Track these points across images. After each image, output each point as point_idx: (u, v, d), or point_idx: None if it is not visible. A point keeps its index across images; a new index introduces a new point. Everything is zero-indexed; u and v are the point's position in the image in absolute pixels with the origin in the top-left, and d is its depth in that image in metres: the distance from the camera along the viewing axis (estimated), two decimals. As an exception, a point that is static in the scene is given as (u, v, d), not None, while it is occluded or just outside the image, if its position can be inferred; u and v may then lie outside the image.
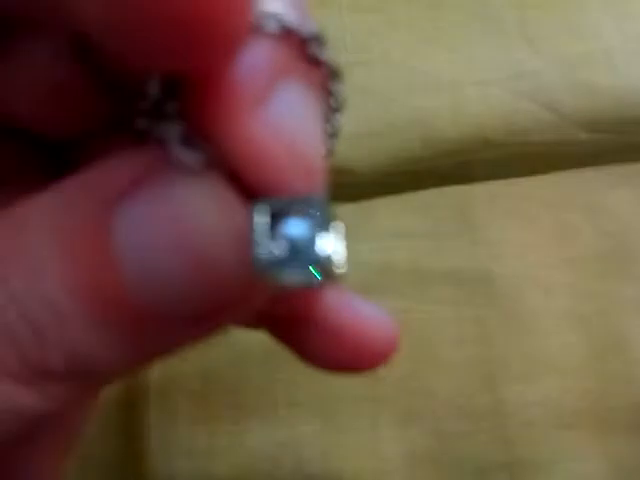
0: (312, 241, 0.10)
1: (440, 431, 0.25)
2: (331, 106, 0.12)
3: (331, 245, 0.10)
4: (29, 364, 0.11)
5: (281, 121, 0.11)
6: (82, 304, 0.10)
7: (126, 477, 0.25)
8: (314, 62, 0.11)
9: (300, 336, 0.15)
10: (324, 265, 0.10)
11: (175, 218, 0.10)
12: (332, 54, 0.12)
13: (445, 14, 0.29)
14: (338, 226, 0.10)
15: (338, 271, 0.10)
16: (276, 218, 0.10)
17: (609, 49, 0.28)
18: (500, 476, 0.25)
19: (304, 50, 0.11)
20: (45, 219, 0.11)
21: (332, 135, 0.13)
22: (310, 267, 0.10)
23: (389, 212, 0.28)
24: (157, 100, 0.11)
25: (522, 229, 0.27)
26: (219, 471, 0.25)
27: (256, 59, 0.10)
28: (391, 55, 0.28)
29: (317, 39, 0.11)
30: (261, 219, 0.10)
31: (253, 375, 0.26)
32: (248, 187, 0.11)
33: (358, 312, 0.15)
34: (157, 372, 0.26)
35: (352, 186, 0.27)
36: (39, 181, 0.13)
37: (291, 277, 0.10)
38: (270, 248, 0.10)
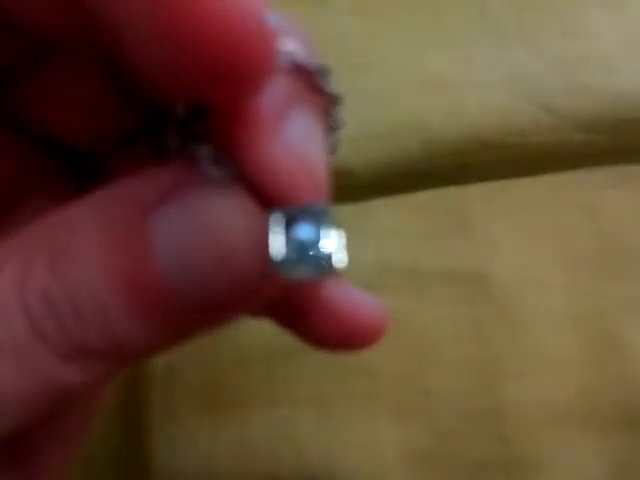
0: (318, 242, 0.12)
1: (438, 429, 0.25)
2: (331, 126, 0.14)
3: (333, 245, 0.12)
4: (72, 344, 0.12)
5: (294, 143, 0.13)
6: (122, 293, 0.12)
7: (128, 476, 0.26)
8: (319, 91, 0.14)
9: (302, 320, 0.17)
10: (328, 262, 0.12)
11: (206, 222, 0.12)
12: (333, 83, 0.14)
13: (443, 16, 0.29)
14: (339, 229, 0.12)
15: (339, 267, 0.12)
16: (288, 223, 0.12)
17: (606, 51, 0.28)
18: (497, 474, 0.25)
19: (311, 81, 0.14)
20: (92, 221, 0.13)
21: (331, 150, 0.15)
22: (316, 264, 0.12)
23: (387, 212, 0.28)
24: (185, 120, 0.13)
25: (519, 229, 0.27)
26: (221, 468, 0.25)
27: (274, 90, 0.13)
28: (390, 57, 0.28)
29: (322, 72, 0.14)
30: (276, 225, 0.12)
31: (254, 373, 0.26)
32: (265, 197, 0.13)
33: (353, 298, 0.17)
34: (159, 371, 0.26)
35: (351, 187, 0.27)
36: (63, 187, 0.16)
37: (301, 273, 0.12)
38: (284, 249, 0.12)
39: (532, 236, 0.27)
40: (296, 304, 0.17)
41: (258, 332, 0.25)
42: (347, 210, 0.28)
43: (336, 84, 0.14)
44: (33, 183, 0.16)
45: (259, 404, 0.25)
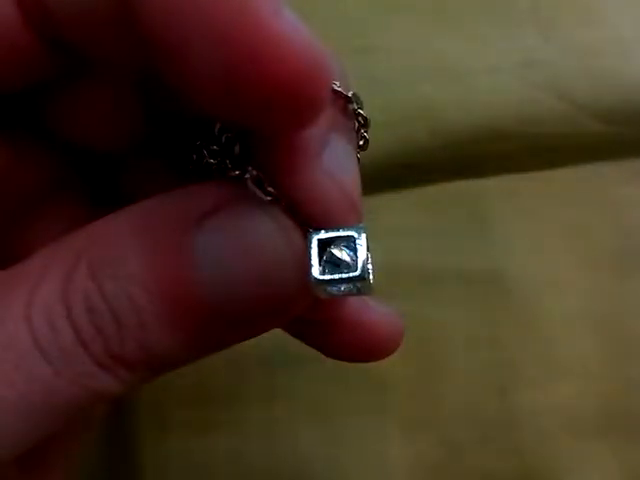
0: (354, 262, 0.13)
1: (449, 440, 0.25)
2: (359, 145, 0.16)
3: (367, 265, 0.13)
4: (111, 353, 0.13)
5: (333, 168, 0.14)
6: (160, 305, 0.13)
7: None
8: (351, 115, 0.15)
9: (315, 330, 0.17)
10: (362, 281, 0.13)
11: (247, 239, 0.13)
12: (363, 109, 0.16)
13: (455, 0, 0.28)
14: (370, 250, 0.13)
15: (372, 285, 0.13)
16: (327, 244, 0.13)
17: (623, 36, 0.27)
18: (512, 487, 0.24)
19: (345, 107, 0.15)
20: (134, 232, 0.13)
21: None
22: (352, 283, 0.13)
23: (395, 208, 0.27)
24: (225, 140, 0.15)
25: (536, 226, 0.26)
26: None
27: (318, 120, 0.13)
28: (398, 41, 0.27)
29: (355, 99, 0.15)
30: (315, 245, 0.13)
31: (252, 381, 0.25)
32: (306, 217, 0.14)
33: (368, 307, 0.17)
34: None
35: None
36: (83, 199, 0.17)
37: (337, 290, 0.13)
38: (322, 269, 0.13)
39: (549, 233, 0.26)
40: (311, 315, 0.17)
41: (256, 337, 0.24)
42: None
43: (365, 110, 0.16)
44: (55, 194, 0.17)
45: (257, 415, 0.25)
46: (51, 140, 0.16)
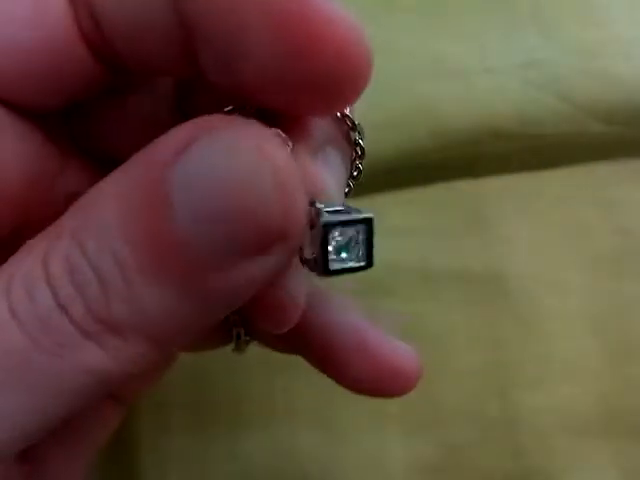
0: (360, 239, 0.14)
1: (449, 441, 0.24)
2: (352, 174, 0.16)
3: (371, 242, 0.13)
4: (94, 315, 0.12)
5: (322, 168, 0.15)
6: (142, 255, 0.12)
7: None
8: (351, 142, 0.16)
9: (337, 361, 0.17)
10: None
11: (223, 167, 0.12)
12: (363, 141, 0.16)
13: (455, 0, 0.28)
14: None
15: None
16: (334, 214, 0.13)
17: (624, 37, 0.27)
18: (512, 488, 0.24)
19: (348, 134, 0.16)
20: (111, 185, 0.13)
21: (347, 192, 0.17)
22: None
23: (394, 208, 0.26)
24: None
25: (535, 226, 0.26)
26: None
27: (325, 125, 0.15)
28: (397, 41, 0.27)
29: (358, 129, 0.16)
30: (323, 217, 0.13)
31: (250, 383, 0.25)
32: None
33: (389, 342, 0.17)
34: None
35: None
36: None
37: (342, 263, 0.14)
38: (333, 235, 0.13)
39: (549, 233, 0.26)
40: (335, 346, 0.17)
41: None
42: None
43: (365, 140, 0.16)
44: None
45: (256, 417, 0.25)
46: (81, 147, 0.16)
